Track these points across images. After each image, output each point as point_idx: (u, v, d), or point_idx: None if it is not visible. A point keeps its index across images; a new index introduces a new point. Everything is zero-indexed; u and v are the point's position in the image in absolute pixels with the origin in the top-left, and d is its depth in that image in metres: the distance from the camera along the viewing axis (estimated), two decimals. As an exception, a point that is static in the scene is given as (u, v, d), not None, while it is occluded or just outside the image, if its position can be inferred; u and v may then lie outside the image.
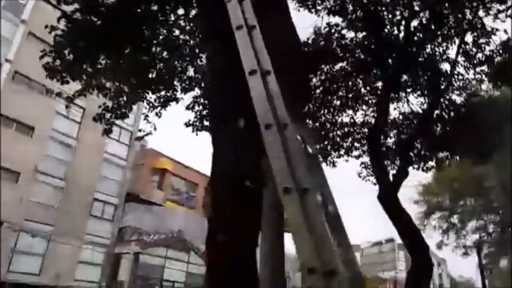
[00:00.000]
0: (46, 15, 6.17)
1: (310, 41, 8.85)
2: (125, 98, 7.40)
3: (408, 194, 28.05)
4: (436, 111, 9.47)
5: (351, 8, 8.27)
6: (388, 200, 7.95)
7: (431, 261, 7.67)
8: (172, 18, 7.28)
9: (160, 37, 7.33)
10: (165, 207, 25.31)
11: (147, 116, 8.35)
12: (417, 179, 30.27)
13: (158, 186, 26.97)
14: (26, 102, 19.71)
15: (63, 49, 6.03)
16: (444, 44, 8.81)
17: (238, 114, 2.51)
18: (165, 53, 7.66)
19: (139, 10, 6.33)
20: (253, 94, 2.02)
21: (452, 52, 8.94)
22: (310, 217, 1.58)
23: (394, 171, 9.33)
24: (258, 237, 2.73)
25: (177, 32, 7.59)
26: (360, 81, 9.99)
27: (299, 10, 8.24)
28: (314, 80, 9.77)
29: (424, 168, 10.37)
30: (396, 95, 9.81)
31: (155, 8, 6.70)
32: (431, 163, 10.49)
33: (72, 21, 5.75)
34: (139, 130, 10.60)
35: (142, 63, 6.96)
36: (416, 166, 10.11)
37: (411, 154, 9.61)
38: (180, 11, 6.94)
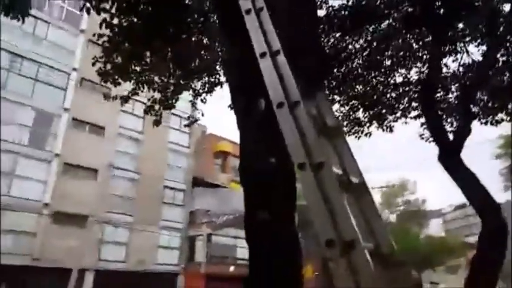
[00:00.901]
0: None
1: (351, 3, 8.48)
2: (171, 89, 7.77)
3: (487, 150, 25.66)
4: (501, 58, 8.58)
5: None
6: (449, 161, 7.47)
7: (504, 222, 7.05)
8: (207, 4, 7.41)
9: (199, 25, 7.52)
10: (229, 189, 26.31)
11: (194, 103, 8.71)
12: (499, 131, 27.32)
13: (221, 169, 28.01)
14: (95, 105, 21.45)
15: (111, 53, 6.49)
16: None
17: (258, 97, 2.58)
18: (205, 40, 7.86)
19: (175, 2, 6.54)
20: (265, 75, 2.09)
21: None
22: (326, 191, 1.62)
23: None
24: (295, 212, 2.81)
25: (214, 17, 7.72)
26: (411, 37, 9.37)
27: (334, -27, 7.86)
28: (360, 41, 9.39)
29: (493, 121, 9.52)
30: (453, 46, 9.06)
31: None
32: (501, 115, 9.59)
33: (114, 26, 6.14)
34: (188, 117, 11.07)
35: (184, 52, 7.24)
36: (483, 121, 9.35)
37: (473, 108, 8.86)
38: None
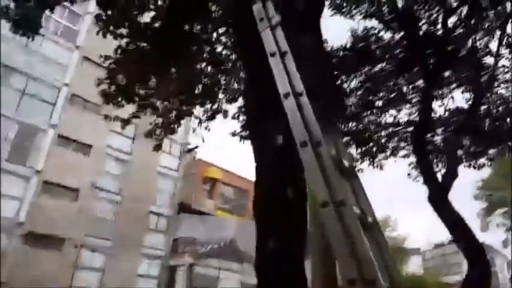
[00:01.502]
0: (98, 40, 6.81)
1: (348, 45, 8.92)
2: (173, 114, 7.88)
3: (468, 191, 26.46)
4: (483, 106, 9.12)
5: (386, 10, 8.22)
6: (438, 202, 7.74)
7: (488, 264, 7.31)
8: (215, 35, 7.69)
9: (205, 54, 7.76)
10: (216, 217, 25.92)
11: (194, 130, 8.86)
12: (478, 175, 28.37)
13: (209, 195, 27.77)
14: (83, 123, 21.23)
15: (117, 75, 6.62)
16: (486, 37, 8.50)
17: (277, 130, 2.72)
18: (209, 68, 8.09)
19: (184, 30, 6.76)
20: (289, 115, 2.23)
21: (495, 45, 8.63)
22: (348, 229, 1.73)
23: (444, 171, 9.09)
24: (306, 244, 2.89)
25: (219, 48, 8.00)
26: (402, 80, 9.87)
27: (334, 16, 8.33)
28: (355, 81, 9.81)
29: (476, 166, 9.97)
30: (440, 92, 9.57)
31: (198, 27, 7.13)
32: (483, 160, 10.07)
33: (124, 51, 6.30)
34: (188, 143, 11.16)
35: (188, 79, 7.43)
36: (467, 164, 9.77)
37: (460, 152, 9.30)
38: (221, 30, 7.31)
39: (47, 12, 6.07)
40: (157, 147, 8.23)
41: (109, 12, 5.87)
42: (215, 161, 29.53)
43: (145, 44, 6.34)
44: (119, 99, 7.01)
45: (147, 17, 6.29)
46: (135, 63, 6.36)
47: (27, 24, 5.69)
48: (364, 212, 2.10)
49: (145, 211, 23.48)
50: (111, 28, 5.88)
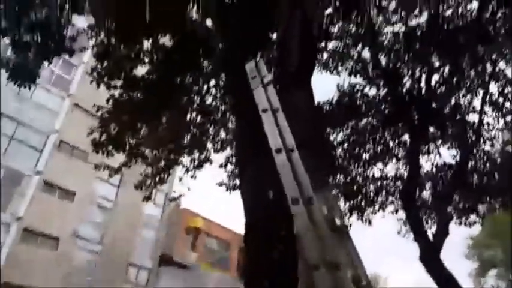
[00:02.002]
0: (90, 89, 6.90)
1: (334, 100, 9.20)
2: (162, 164, 7.85)
3: (460, 249, 25.50)
4: (470, 162, 9.30)
5: (370, 68, 8.61)
6: (430, 261, 7.58)
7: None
8: (205, 87, 7.90)
9: (195, 104, 7.91)
10: (198, 271, 24.94)
11: (181, 179, 8.79)
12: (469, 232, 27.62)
13: (192, 246, 26.85)
14: (69, 169, 20.90)
15: (108, 125, 6.66)
16: (469, 95, 8.89)
17: (268, 185, 2.69)
18: (198, 118, 8.21)
19: (176, 82, 6.93)
20: (280, 171, 2.22)
21: (478, 103, 8.99)
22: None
23: (435, 228, 9.01)
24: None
25: (209, 99, 8.18)
26: (387, 135, 10.09)
27: (321, 72, 8.66)
28: (341, 134, 9.99)
29: (467, 223, 9.95)
30: (426, 147, 9.78)
31: (190, 79, 7.32)
32: (473, 217, 10.07)
33: (116, 100, 6.40)
34: (174, 191, 11.02)
35: (178, 129, 7.49)
36: (457, 221, 9.75)
37: (450, 208, 9.31)
38: (212, 82, 7.52)
39: (45, 63, 6.20)
40: (147, 198, 8.14)
41: (104, 65, 6.03)
42: (200, 210, 28.89)
43: (137, 94, 6.45)
44: (109, 148, 6.98)
45: (140, 69, 6.47)
46: (127, 113, 6.42)
47: (24, 74, 5.79)
48: (357, 275, 2.03)
49: (126, 262, 22.47)
50: (105, 79, 6.01)
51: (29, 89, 5.76)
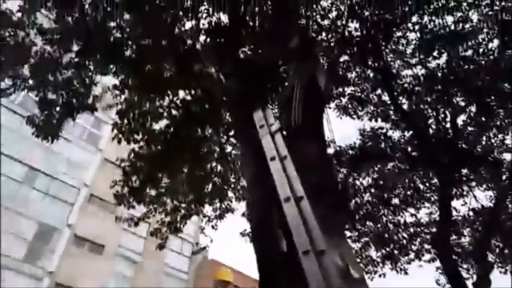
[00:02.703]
0: (118, 144, 7.26)
1: (357, 144, 9.07)
2: (181, 213, 7.87)
3: None
4: (510, 204, 8.72)
5: (392, 111, 8.51)
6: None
7: None
8: (225, 137, 8.03)
9: (215, 154, 8.01)
10: (228, 325, 23.81)
11: (203, 229, 8.71)
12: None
13: (220, 300, 25.90)
14: (99, 223, 21.28)
15: (130, 178, 6.84)
16: (500, 134, 8.53)
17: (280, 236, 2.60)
18: (219, 168, 8.26)
19: (196, 134, 7.10)
20: (289, 220, 2.14)
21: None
22: None
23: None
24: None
25: (229, 148, 8.28)
26: (417, 179, 9.71)
27: (341, 118, 8.64)
28: (367, 178, 9.71)
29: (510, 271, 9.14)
30: (460, 190, 9.30)
31: (210, 131, 7.49)
32: (517, 264, 9.25)
33: (138, 154, 6.62)
34: (197, 243, 10.91)
35: (199, 179, 7.56)
36: (502, 270, 8.97)
37: (489, 255, 8.62)
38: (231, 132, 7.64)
39: (70, 119, 6.58)
40: (161, 247, 8.08)
41: (125, 121, 6.33)
42: (226, 261, 28.17)
43: (158, 147, 6.64)
44: (130, 200, 7.12)
45: (160, 124, 6.73)
46: (148, 165, 6.58)
47: (47, 130, 6.17)
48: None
49: (154, 319, 21.89)
50: (126, 135, 6.28)
51: (51, 142, 6.11)
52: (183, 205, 7.73)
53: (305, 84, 3.01)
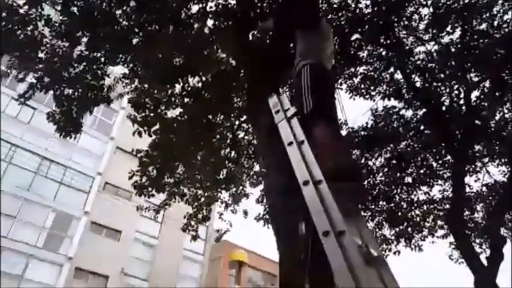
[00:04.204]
0: (130, 132, 7.33)
1: (370, 125, 9.01)
2: (202, 201, 8.02)
3: None
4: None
5: (405, 90, 8.41)
6: (485, 288, 6.99)
7: None
8: (237, 123, 8.07)
9: (228, 140, 8.07)
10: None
11: (221, 214, 8.89)
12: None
13: (236, 280, 26.49)
14: (115, 209, 21.74)
15: (148, 168, 6.96)
16: (514, 108, 8.38)
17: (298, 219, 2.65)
18: (233, 153, 8.34)
19: (208, 120, 7.14)
20: (309, 203, 2.17)
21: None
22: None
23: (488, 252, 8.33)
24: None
25: (241, 134, 8.33)
26: (430, 156, 9.65)
27: (354, 99, 8.56)
28: (380, 159, 9.68)
29: (524, 244, 9.13)
30: (473, 166, 9.24)
31: (222, 117, 7.53)
32: (533, 238, 9.21)
33: (154, 143, 6.71)
34: (217, 230, 11.16)
35: (213, 165, 7.65)
36: (514, 243, 8.97)
37: (503, 231, 8.61)
38: (243, 117, 7.67)
39: (87, 113, 6.65)
40: (194, 238, 8.31)
41: (140, 112, 6.39)
42: (241, 242, 28.65)
43: (173, 136, 6.70)
44: (150, 189, 7.26)
45: (174, 112, 6.77)
46: (164, 154, 6.67)
47: (70, 126, 6.25)
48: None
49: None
50: (145, 128, 6.35)
51: (74, 138, 6.18)
52: (200, 192, 7.87)
53: (312, 65, 2.99)
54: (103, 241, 21.42)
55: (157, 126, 6.62)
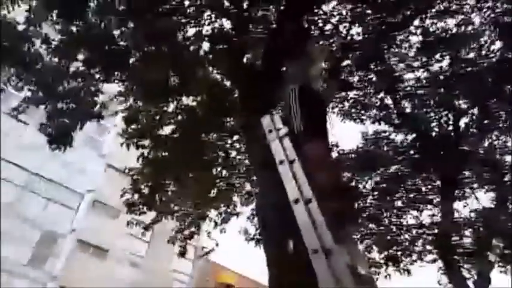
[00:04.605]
0: (121, 150, 7.33)
1: (359, 148, 9.13)
2: (191, 219, 7.97)
3: None
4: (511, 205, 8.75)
5: (394, 115, 8.58)
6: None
7: None
8: (229, 142, 8.12)
9: (219, 159, 8.10)
10: (232, 329, 23.87)
11: (209, 233, 8.81)
12: None
13: (224, 304, 25.90)
14: (102, 228, 21.36)
15: (139, 185, 6.96)
16: (502, 136, 8.59)
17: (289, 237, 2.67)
18: (224, 172, 8.35)
19: (200, 139, 7.19)
20: (299, 221, 2.22)
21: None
22: None
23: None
24: None
25: (233, 153, 8.37)
26: (419, 181, 9.76)
27: (345, 122, 8.70)
28: (369, 182, 9.77)
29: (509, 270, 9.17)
30: (462, 192, 9.36)
31: (214, 136, 7.58)
32: (519, 264, 9.26)
33: (146, 159, 6.72)
34: (203, 248, 11.01)
35: (204, 184, 7.65)
36: (502, 270, 9.00)
37: (490, 255, 8.65)
38: (235, 137, 7.73)
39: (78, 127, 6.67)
40: (182, 254, 8.23)
41: (133, 127, 6.43)
42: (229, 264, 28.14)
43: (164, 153, 6.73)
44: (141, 207, 7.23)
45: (166, 129, 6.82)
46: (156, 171, 6.68)
47: (61, 139, 6.25)
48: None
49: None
50: (135, 140, 6.37)
51: (64, 151, 6.19)
52: (190, 210, 7.84)
53: (301, 88, 3.09)
54: (90, 260, 20.91)
55: (147, 141, 6.65)
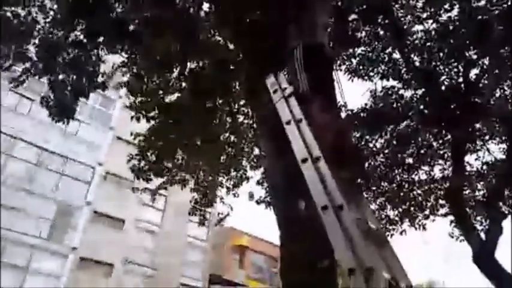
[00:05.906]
0: (129, 121, 7.33)
1: (368, 106, 8.98)
2: (204, 187, 8.07)
3: None
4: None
5: (403, 70, 8.35)
6: (484, 262, 7.08)
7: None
8: (236, 107, 8.05)
9: (227, 125, 8.07)
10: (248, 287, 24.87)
11: (222, 198, 8.97)
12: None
13: (239, 264, 26.85)
14: (116, 198, 21.87)
15: (146, 152, 6.98)
16: (514, 85, 8.34)
17: (298, 197, 2.68)
18: (232, 138, 8.36)
19: (206, 105, 7.13)
20: (308, 180, 2.20)
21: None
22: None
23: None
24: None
25: (241, 118, 8.33)
26: (430, 136, 9.67)
27: (352, 80, 8.52)
28: (380, 140, 9.70)
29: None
30: (473, 145, 9.26)
31: (220, 101, 7.51)
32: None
33: (153, 128, 6.71)
34: (218, 213, 11.24)
35: (213, 150, 7.67)
36: (512, 218, 9.03)
37: (502, 206, 8.67)
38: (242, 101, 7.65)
39: (83, 99, 6.65)
40: (202, 222, 8.43)
41: (139, 99, 6.38)
42: (244, 227, 28.92)
43: (171, 121, 6.71)
44: (148, 174, 7.29)
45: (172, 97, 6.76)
46: (163, 139, 6.69)
47: (63, 111, 6.24)
48: (396, 279, 1.95)
49: (178, 284, 22.87)
50: (144, 113, 6.34)
51: (67, 124, 6.20)
52: (201, 177, 7.91)
53: (306, 45, 2.97)
54: (106, 230, 21.59)
55: (155, 112, 6.61)
